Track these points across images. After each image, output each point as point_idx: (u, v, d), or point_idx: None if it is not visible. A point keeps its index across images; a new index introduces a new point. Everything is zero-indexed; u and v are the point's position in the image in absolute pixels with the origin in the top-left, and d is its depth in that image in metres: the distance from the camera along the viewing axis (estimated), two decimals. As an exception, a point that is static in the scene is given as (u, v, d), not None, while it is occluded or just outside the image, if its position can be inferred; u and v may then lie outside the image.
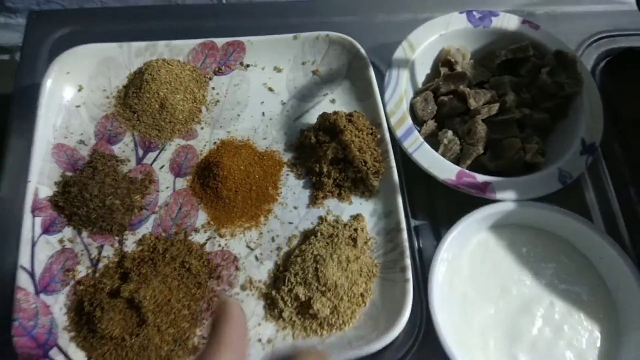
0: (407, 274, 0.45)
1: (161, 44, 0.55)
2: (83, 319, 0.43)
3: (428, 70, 0.59)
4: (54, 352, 0.42)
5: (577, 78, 0.55)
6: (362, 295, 0.46)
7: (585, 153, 0.52)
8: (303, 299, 0.45)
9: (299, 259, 0.46)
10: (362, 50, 0.55)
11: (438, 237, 0.53)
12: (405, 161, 0.52)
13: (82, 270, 0.46)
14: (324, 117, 0.51)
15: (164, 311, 0.43)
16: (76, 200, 0.47)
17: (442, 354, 0.47)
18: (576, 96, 0.55)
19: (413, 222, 0.52)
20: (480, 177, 0.50)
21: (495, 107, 0.53)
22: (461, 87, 0.55)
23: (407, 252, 0.46)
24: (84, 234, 0.48)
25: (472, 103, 0.54)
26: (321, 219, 0.50)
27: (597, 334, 0.47)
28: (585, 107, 0.54)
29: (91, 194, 0.47)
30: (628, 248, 0.52)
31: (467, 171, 0.51)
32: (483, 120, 0.53)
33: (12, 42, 0.95)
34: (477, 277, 0.49)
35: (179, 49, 0.55)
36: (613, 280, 0.49)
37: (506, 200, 0.49)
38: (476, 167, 0.53)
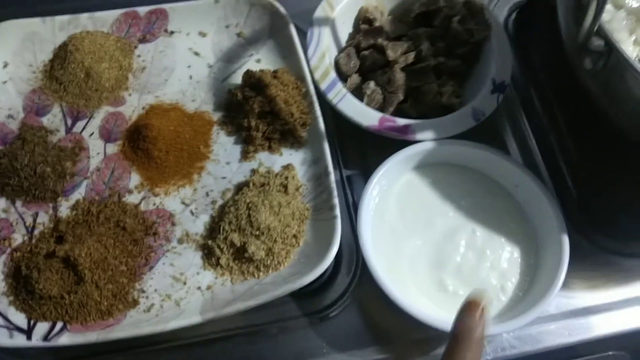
0: (335, 211, 0.47)
1: (84, 16, 0.55)
2: (21, 283, 0.44)
3: (350, 29, 0.62)
4: (-7, 317, 0.43)
5: (485, 24, 0.59)
6: (295, 236, 0.48)
7: (496, 91, 0.56)
8: (238, 245, 0.47)
9: (232, 208, 0.48)
10: (282, 9, 0.57)
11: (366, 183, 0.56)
12: (334, 115, 0.55)
13: (17, 238, 0.47)
14: (249, 74, 0.53)
15: (101, 268, 0.44)
16: (7, 171, 0.48)
17: (379, 288, 0.50)
18: (486, 41, 0.59)
19: (345, 172, 0.55)
20: (401, 121, 0.53)
21: (411, 56, 0.56)
22: (380, 40, 0.58)
23: (335, 192, 0.48)
24: (18, 203, 0.48)
25: (390, 54, 0.57)
26: (253, 172, 0.52)
27: (517, 254, 0.51)
28: (494, 50, 0.58)
29: (21, 164, 0.48)
30: (543, 174, 0.57)
31: (388, 116, 0.54)
32: (402, 70, 0.56)
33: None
34: (404, 213, 0.52)
35: (102, 20, 0.56)
36: (529, 205, 0.52)
37: (426, 140, 0.53)
38: (399, 114, 0.56)
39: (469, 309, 0.35)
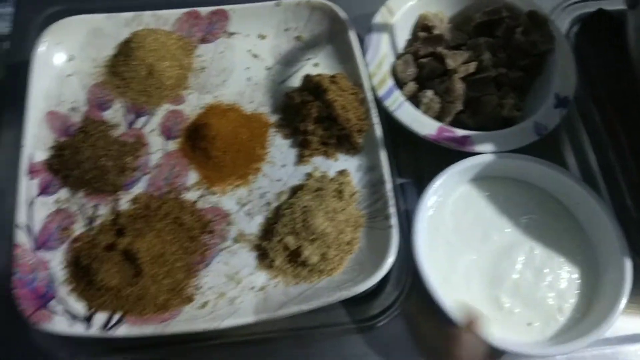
0: (391, 220, 0.47)
1: (147, 14, 0.56)
2: (81, 273, 0.45)
3: (408, 36, 0.61)
4: (53, 304, 0.44)
5: (549, 36, 0.57)
6: (349, 243, 0.48)
7: (559, 106, 0.54)
8: (293, 248, 0.47)
9: (288, 211, 0.48)
10: (342, 14, 0.57)
11: (421, 193, 0.55)
12: (390, 122, 0.54)
13: (78, 229, 0.48)
14: (307, 78, 0.53)
15: (159, 263, 0.45)
16: (70, 163, 0.49)
17: (430, 300, 0.49)
18: (549, 54, 0.57)
19: (398, 180, 0.54)
20: (460, 132, 0.53)
21: (472, 66, 0.55)
22: (439, 48, 0.57)
23: (391, 202, 0.48)
24: (79, 194, 0.49)
25: (450, 63, 0.56)
26: (308, 175, 0.52)
27: (576, 275, 0.49)
28: (557, 63, 0.57)
29: (84, 156, 0.49)
30: (603, 192, 0.55)
31: (446, 126, 0.53)
32: (462, 80, 0.55)
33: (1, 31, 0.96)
34: (460, 225, 0.51)
35: (164, 19, 0.57)
36: (589, 224, 0.51)
37: (485, 153, 0.52)
38: (456, 124, 0.55)
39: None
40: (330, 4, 0.57)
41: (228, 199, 0.50)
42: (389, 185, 0.49)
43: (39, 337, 0.47)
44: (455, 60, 0.56)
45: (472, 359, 0.38)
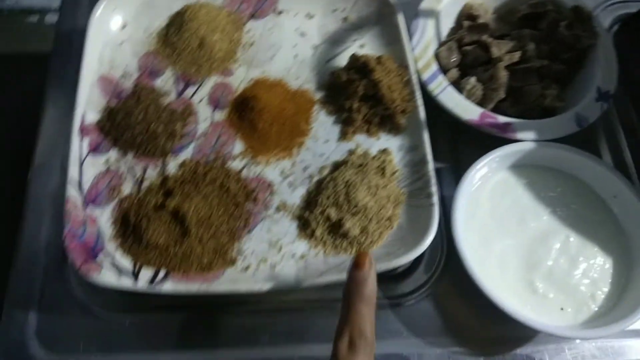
0: (433, 198, 0.48)
1: (201, -13, 0.58)
2: (129, 230, 0.46)
3: (451, 24, 0.62)
4: (101, 257, 0.45)
5: (593, 31, 0.58)
6: (389, 219, 0.48)
7: (601, 100, 0.55)
8: (334, 219, 0.48)
9: (331, 184, 0.49)
10: (391, -4, 0.58)
11: (458, 178, 0.55)
12: (429, 106, 0.55)
13: (126, 189, 0.49)
14: (354, 57, 0.54)
15: (205, 225, 0.46)
16: (121, 125, 0.50)
17: (461, 282, 0.50)
18: (591, 49, 0.58)
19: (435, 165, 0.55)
20: (502, 118, 0.53)
21: (517, 55, 0.56)
22: (484, 37, 0.58)
23: (433, 180, 0.49)
24: (129, 156, 0.50)
25: (495, 51, 0.57)
26: (351, 152, 0.53)
27: (609, 265, 0.50)
28: (600, 58, 0.57)
29: (136, 119, 0.50)
30: (637, 187, 0.55)
31: (489, 112, 0.54)
32: (505, 69, 0.56)
33: (41, 4, 0.98)
34: (496, 210, 0.52)
35: (216, -7, 0.58)
36: (625, 217, 0.51)
37: (526, 140, 0.52)
38: (496, 112, 0.55)
39: (358, 263, 0.38)
40: (379, -14, 0.58)
41: (272, 170, 0.51)
42: (431, 165, 0.50)
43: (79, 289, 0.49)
44: (500, 49, 0.57)
45: (370, 295, 0.38)
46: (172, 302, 0.48)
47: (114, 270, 0.44)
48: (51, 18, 0.91)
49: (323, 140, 0.53)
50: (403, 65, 0.55)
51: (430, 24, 0.58)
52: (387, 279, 0.51)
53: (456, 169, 0.56)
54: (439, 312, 0.50)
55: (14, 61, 0.80)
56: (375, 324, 0.38)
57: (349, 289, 0.38)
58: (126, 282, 0.44)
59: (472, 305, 0.51)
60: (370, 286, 0.38)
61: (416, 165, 0.51)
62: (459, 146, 0.57)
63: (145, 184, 0.49)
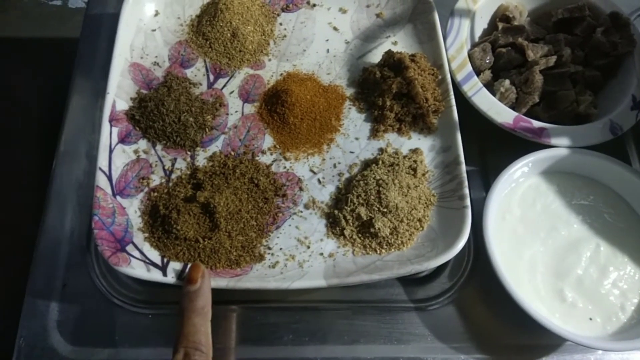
0: (466, 201, 0.47)
1: (234, -22, 0.57)
2: (157, 222, 0.46)
3: (485, 25, 0.61)
4: (130, 248, 0.45)
5: (631, 39, 0.57)
6: (420, 220, 0.48)
7: (636, 108, 0.54)
8: (365, 219, 0.47)
9: (361, 183, 0.48)
10: (428, -6, 0.57)
11: (486, 182, 0.55)
12: (459, 108, 0.54)
13: (155, 179, 0.49)
14: (389, 54, 0.54)
15: (235, 219, 0.46)
16: (152, 115, 0.50)
17: (488, 287, 0.50)
18: (628, 56, 0.57)
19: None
20: (537, 123, 0.53)
21: (552, 59, 0.55)
22: (520, 39, 0.57)
23: (466, 182, 0.48)
24: (158, 147, 0.50)
25: (530, 54, 0.56)
26: (381, 150, 0.52)
27: None
28: (636, 66, 0.56)
29: (167, 109, 0.50)
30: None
31: (523, 116, 0.53)
32: (540, 72, 0.55)
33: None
34: (527, 216, 0.51)
35: (250, -16, 0.57)
36: (657, 228, 0.51)
37: (560, 147, 0.52)
38: (528, 116, 0.55)
39: (191, 279, 0.40)
40: (416, -17, 0.57)
41: (301, 166, 0.51)
42: (464, 167, 0.49)
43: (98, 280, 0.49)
44: (535, 52, 0.56)
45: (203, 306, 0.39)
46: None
47: (143, 263, 0.44)
48: (75, 2, 0.91)
49: (353, 137, 0.53)
50: (437, 65, 0.54)
51: (465, 24, 0.57)
52: (411, 282, 0.51)
53: (484, 171, 0.56)
54: (464, 318, 0.50)
55: (37, 45, 0.79)
56: (210, 335, 0.39)
57: (183, 303, 0.40)
58: (156, 275, 0.43)
59: (498, 311, 0.50)
60: (203, 299, 0.40)
61: (448, 167, 0.50)
62: (488, 148, 0.57)
63: (175, 175, 0.49)
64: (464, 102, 0.54)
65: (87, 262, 0.49)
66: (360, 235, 0.48)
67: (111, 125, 0.49)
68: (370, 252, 0.47)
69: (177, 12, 0.56)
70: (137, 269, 0.43)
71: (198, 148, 0.50)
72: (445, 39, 0.56)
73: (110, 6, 0.62)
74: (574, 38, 0.58)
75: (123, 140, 0.50)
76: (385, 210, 0.47)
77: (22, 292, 0.48)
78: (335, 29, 0.58)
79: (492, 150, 0.57)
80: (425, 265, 0.44)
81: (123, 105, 0.51)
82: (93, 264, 0.49)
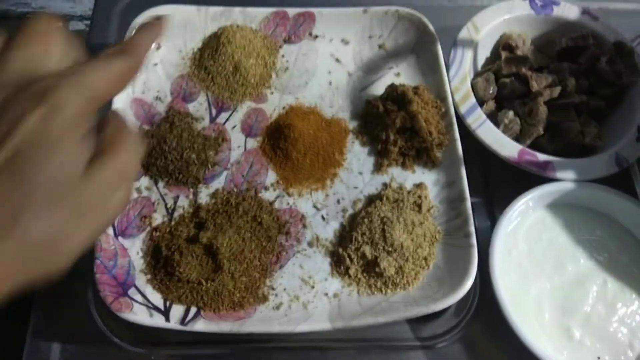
0: (472, 239, 0.47)
1: (236, 10, 0.56)
2: (160, 263, 0.45)
3: (487, 54, 0.61)
4: (132, 292, 0.44)
5: (635, 68, 0.57)
6: (425, 258, 0.47)
7: (642, 139, 0.54)
8: (370, 258, 0.46)
9: (365, 220, 0.48)
10: (431, 26, 0.56)
11: (491, 214, 0.55)
12: (462, 140, 0.54)
13: (158, 218, 0.48)
14: (392, 87, 0.53)
15: (238, 260, 0.45)
16: (154, 152, 0.49)
17: (494, 324, 0.49)
18: (633, 85, 0.57)
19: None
20: (542, 156, 0.52)
21: (557, 90, 0.55)
22: (523, 69, 0.57)
23: (471, 220, 0.48)
24: (160, 184, 0.50)
25: (535, 85, 0.55)
26: (385, 185, 0.51)
27: (649, 313, 0.49)
28: (641, 96, 0.56)
29: (170, 147, 0.49)
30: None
31: (528, 150, 0.53)
32: (544, 103, 0.55)
33: (65, 11, 0.97)
34: (533, 251, 0.50)
35: (252, 16, 0.57)
36: (664, 262, 0.50)
37: (565, 180, 0.51)
38: (533, 148, 0.54)
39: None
40: (419, 15, 0.57)
41: (304, 202, 0.50)
42: (469, 203, 0.49)
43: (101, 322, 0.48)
44: (539, 83, 0.55)
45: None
46: (198, 338, 0.47)
47: (145, 308, 0.43)
48: (75, 25, 0.90)
49: (357, 171, 0.52)
50: (440, 97, 0.54)
51: (468, 55, 0.57)
52: (418, 319, 0.49)
53: (488, 204, 0.55)
54: (471, 355, 0.49)
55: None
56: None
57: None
58: (158, 321, 0.42)
59: (505, 349, 0.49)
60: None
61: (453, 202, 0.50)
62: (494, 179, 0.56)
63: (177, 213, 0.48)
64: (467, 133, 0.53)
65: (90, 303, 0.48)
66: (365, 274, 0.47)
67: (113, 163, 0.49)
68: (376, 292, 0.46)
69: (179, 46, 0.56)
70: (139, 315, 0.42)
71: (200, 185, 0.50)
72: (448, 69, 0.56)
73: (112, 36, 0.62)
74: (578, 67, 0.58)
75: (125, 178, 0.49)
76: (390, 249, 0.46)
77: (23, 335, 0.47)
78: (337, 60, 0.58)
79: (497, 181, 0.56)
80: (432, 307, 0.44)
81: (124, 141, 0.51)
82: (95, 305, 0.48)
